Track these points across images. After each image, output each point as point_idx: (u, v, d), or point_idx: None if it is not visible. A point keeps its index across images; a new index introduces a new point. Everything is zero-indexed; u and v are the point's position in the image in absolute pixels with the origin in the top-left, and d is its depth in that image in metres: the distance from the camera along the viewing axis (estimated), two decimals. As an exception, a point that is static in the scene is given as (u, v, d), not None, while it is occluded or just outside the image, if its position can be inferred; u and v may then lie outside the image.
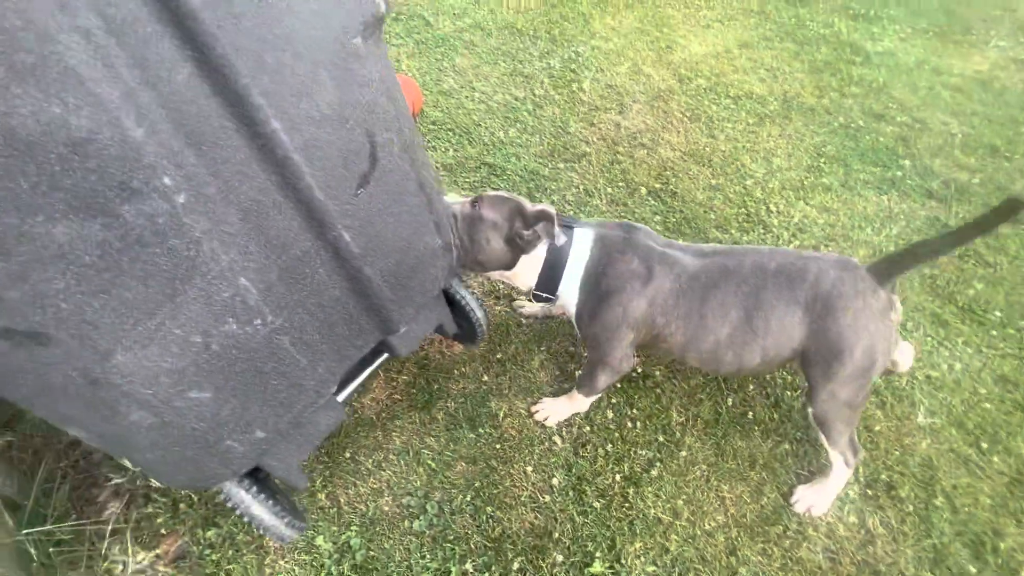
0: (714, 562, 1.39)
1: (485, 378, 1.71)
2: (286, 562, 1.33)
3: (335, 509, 1.43)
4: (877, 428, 1.65)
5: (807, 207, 2.33)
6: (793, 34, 3.40)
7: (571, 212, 2.25)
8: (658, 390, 1.71)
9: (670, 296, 1.36)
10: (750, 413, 1.67)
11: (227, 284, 0.79)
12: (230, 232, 0.77)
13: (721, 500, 1.49)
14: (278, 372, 0.95)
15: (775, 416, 1.67)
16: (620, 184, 2.39)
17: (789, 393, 1.72)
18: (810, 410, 1.41)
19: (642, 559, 1.39)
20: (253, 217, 0.79)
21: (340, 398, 1.23)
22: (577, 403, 1.64)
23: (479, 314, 1.57)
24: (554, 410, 1.64)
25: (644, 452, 1.57)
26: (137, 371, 0.76)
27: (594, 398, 1.63)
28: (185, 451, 0.91)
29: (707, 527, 1.45)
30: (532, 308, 1.89)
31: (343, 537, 1.38)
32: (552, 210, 1.38)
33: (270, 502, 1.18)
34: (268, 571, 1.32)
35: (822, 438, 1.44)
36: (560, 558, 1.37)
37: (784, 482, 1.54)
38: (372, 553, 1.36)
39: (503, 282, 1.56)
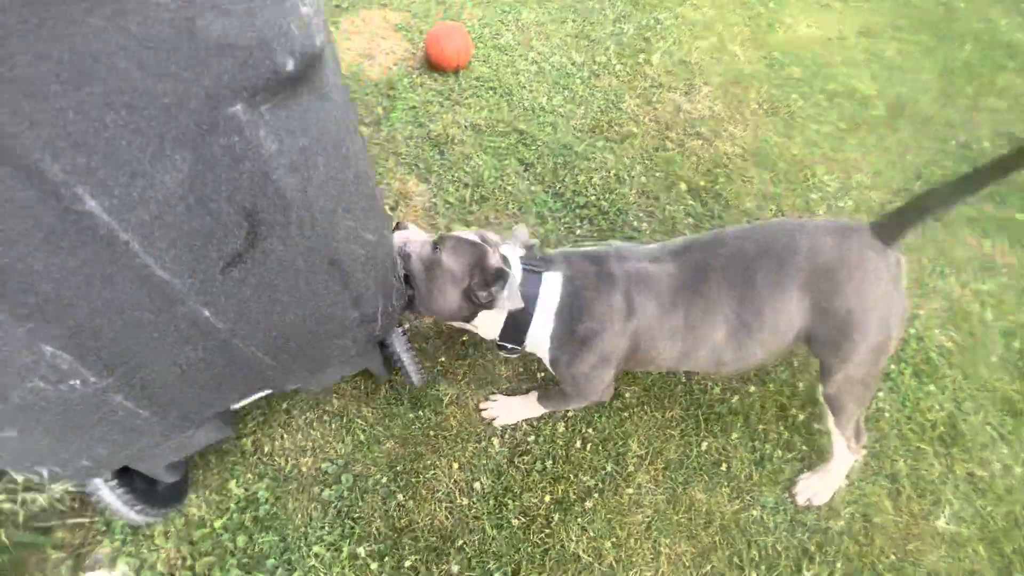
0: (627, 619, 1.23)
1: (442, 358, 1.60)
2: (196, 496, 1.35)
3: (256, 457, 1.42)
4: (877, 519, 1.35)
5: (879, 238, 1.93)
6: (935, 26, 2.80)
7: (593, 197, 2.03)
8: (625, 414, 1.52)
9: (654, 320, 1.20)
10: (724, 465, 1.44)
11: (27, 351, 0.72)
12: (27, 304, 0.67)
13: (656, 555, 1.31)
14: (107, 420, 0.89)
15: (754, 476, 1.42)
16: (658, 174, 2.11)
17: (780, 452, 1.46)
18: (822, 389, 1.27)
19: (546, 593, 1.26)
20: (67, 290, 0.69)
21: (237, 406, 1.15)
22: (531, 409, 1.50)
23: (411, 371, 1.41)
24: (505, 410, 1.51)
25: (585, 478, 1.41)
26: None
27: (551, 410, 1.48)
28: (5, 465, 0.91)
29: (632, 579, 1.28)
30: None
31: (254, 487, 1.37)
32: (511, 268, 1.19)
33: (122, 490, 1.14)
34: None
35: (829, 420, 1.32)
36: (456, 569, 1.27)
37: (739, 554, 1.31)
38: (275, 510, 1.34)
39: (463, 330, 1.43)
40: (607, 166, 2.14)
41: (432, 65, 2.36)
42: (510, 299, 1.14)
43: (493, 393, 1.55)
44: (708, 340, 1.21)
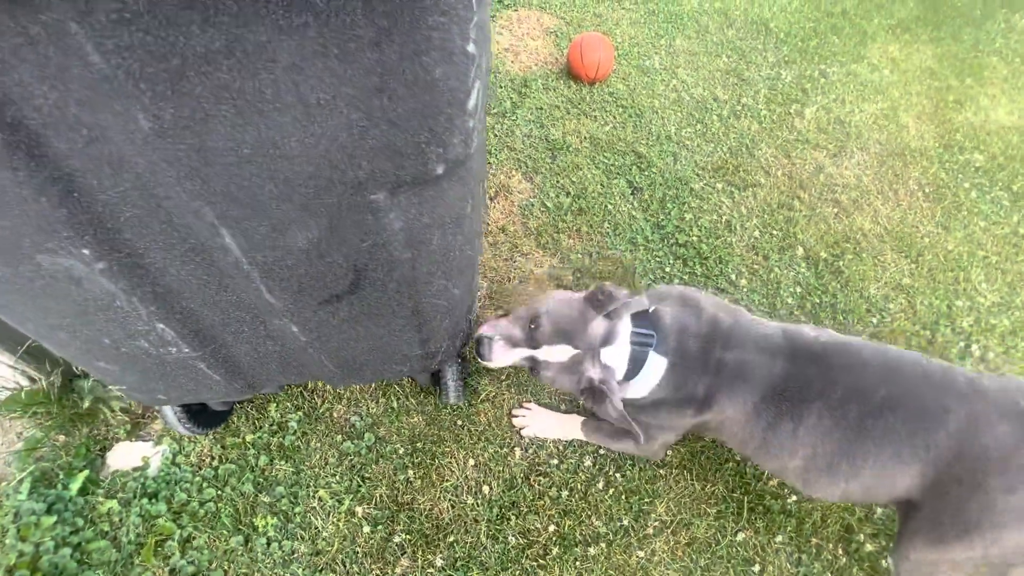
0: None
1: (492, 355, 1.58)
2: (240, 407, 1.46)
3: (299, 389, 1.50)
4: None
5: (1033, 373, 1.59)
6: None
7: (695, 238, 1.90)
8: (661, 471, 1.39)
9: (727, 421, 1.10)
10: (758, 566, 1.26)
11: (143, 323, 0.85)
12: (155, 294, 0.81)
13: (649, 632, 1.18)
14: (186, 376, 1.03)
15: (790, 590, 1.23)
16: (775, 232, 1.92)
17: (829, 577, 1.25)
18: (890, 561, 1.06)
19: (521, 625, 1.18)
20: (189, 290, 0.82)
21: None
22: (568, 431, 1.43)
23: (450, 391, 1.39)
24: (537, 422, 1.45)
25: (598, 523, 1.31)
26: (70, 351, 0.94)
27: (588, 438, 1.41)
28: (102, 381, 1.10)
29: (615, 647, 1.16)
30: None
31: (289, 416, 1.44)
32: (616, 362, 1.09)
33: (179, 409, 1.29)
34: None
35: None
36: (439, 563, 1.24)
37: (746, 670, 1.14)
38: (299, 444, 1.40)
39: None
40: (720, 210, 1.99)
41: (570, 72, 2.37)
42: (613, 410, 1.07)
43: (530, 401, 1.50)
44: (778, 460, 1.08)
